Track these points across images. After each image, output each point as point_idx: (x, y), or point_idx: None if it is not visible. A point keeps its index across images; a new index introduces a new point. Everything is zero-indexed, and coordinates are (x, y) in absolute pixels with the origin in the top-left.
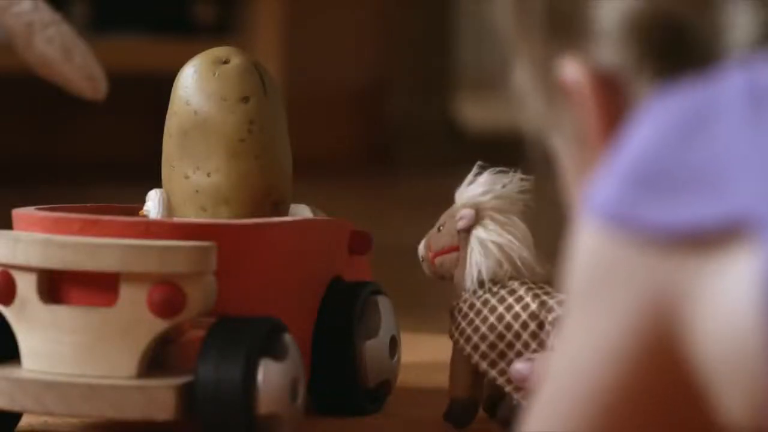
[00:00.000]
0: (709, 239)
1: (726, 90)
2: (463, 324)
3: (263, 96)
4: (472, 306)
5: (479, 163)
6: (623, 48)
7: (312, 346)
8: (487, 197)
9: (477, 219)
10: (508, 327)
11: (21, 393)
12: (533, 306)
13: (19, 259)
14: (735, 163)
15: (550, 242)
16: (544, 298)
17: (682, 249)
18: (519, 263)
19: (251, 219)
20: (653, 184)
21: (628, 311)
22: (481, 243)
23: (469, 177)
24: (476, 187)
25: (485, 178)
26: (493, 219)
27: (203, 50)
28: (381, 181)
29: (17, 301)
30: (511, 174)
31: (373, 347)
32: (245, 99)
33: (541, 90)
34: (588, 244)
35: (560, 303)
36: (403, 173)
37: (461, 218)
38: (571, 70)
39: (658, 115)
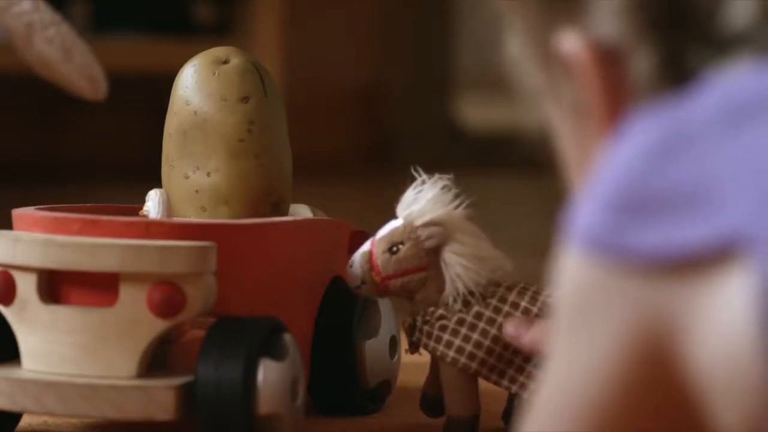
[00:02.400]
0: (699, 260)
1: (704, 105)
2: (455, 340)
3: (263, 96)
4: (462, 321)
5: (422, 177)
6: (622, 18)
7: (312, 346)
8: (444, 210)
9: (445, 235)
10: None
11: (21, 393)
12: (534, 309)
13: (19, 259)
14: (720, 181)
15: (547, 241)
16: (540, 298)
17: (671, 272)
18: (491, 270)
19: (251, 219)
20: (637, 207)
21: (618, 337)
22: (460, 257)
23: (410, 193)
24: (427, 202)
25: (429, 191)
26: (463, 232)
27: (203, 50)
28: (381, 181)
29: (17, 301)
30: (446, 181)
31: (373, 347)
32: (245, 99)
33: (538, 60)
34: (572, 270)
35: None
36: (403, 173)
37: (430, 237)
38: (570, 42)
39: (638, 136)
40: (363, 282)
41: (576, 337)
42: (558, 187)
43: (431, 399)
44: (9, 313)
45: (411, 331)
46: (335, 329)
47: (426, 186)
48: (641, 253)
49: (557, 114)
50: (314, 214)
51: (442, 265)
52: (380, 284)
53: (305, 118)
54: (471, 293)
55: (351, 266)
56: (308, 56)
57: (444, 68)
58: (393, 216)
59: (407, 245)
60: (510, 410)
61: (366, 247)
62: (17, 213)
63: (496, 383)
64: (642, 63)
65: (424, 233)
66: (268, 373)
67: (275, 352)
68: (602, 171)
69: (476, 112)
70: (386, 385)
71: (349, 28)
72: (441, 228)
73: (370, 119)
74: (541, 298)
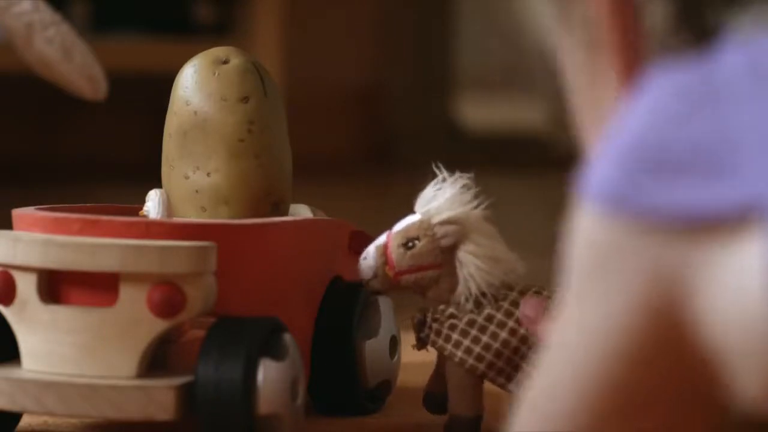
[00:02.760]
0: (716, 223)
1: (727, 66)
2: (464, 340)
3: (263, 96)
4: (472, 322)
5: (442, 175)
6: None
7: (312, 346)
8: (462, 209)
9: (462, 235)
10: (524, 340)
11: (21, 393)
12: None
13: (19, 259)
14: (741, 143)
15: (547, 241)
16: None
17: (688, 233)
18: (504, 273)
19: (251, 219)
20: (654, 165)
21: (632, 296)
22: (475, 258)
23: (430, 190)
24: (446, 200)
25: (448, 189)
26: (480, 232)
27: (203, 50)
28: (381, 181)
29: (17, 301)
30: (467, 180)
31: (373, 347)
32: (245, 99)
33: None
34: (587, 227)
35: None
36: (403, 173)
37: (446, 235)
38: None
39: (657, 93)
40: (375, 275)
41: (589, 295)
42: (557, 187)
43: (435, 397)
44: (9, 313)
45: (420, 327)
46: (335, 329)
47: (446, 184)
48: (658, 212)
49: (568, 44)
50: (314, 214)
51: (457, 264)
52: (393, 278)
53: (305, 118)
54: (483, 294)
55: (365, 258)
56: (308, 56)
57: (444, 68)
58: (393, 216)
59: (423, 242)
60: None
61: (382, 239)
62: (17, 213)
63: (503, 387)
64: (658, 12)
65: (440, 231)
66: (268, 373)
67: (275, 352)
68: (619, 126)
69: (476, 112)
70: (386, 385)
71: (349, 28)
72: (458, 227)
73: (370, 119)
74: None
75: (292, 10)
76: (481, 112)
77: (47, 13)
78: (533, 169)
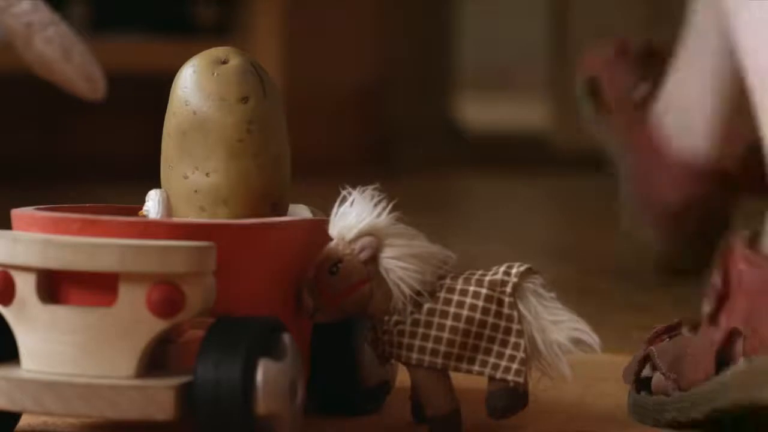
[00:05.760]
0: None
1: None
2: (414, 341)
3: (262, 96)
4: (416, 322)
5: (345, 190)
6: None
7: (312, 346)
8: (370, 219)
9: (378, 243)
10: (470, 320)
11: (20, 393)
12: (483, 290)
13: (19, 259)
14: None
15: (546, 240)
16: (487, 278)
17: None
18: (436, 266)
19: (250, 219)
20: None
21: None
22: (397, 260)
23: (337, 210)
24: (354, 215)
25: (356, 203)
26: (394, 235)
27: (203, 50)
28: (381, 181)
29: (17, 301)
30: (371, 190)
31: None
32: (244, 99)
33: None
34: None
35: (506, 273)
36: (403, 173)
37: (364, 248)
38: None
39: None
40: (317, 309)
41: None
42: (557, 187)
43: (420, 406)
44: (8, 312)
45: (375, 344)
46: (335, 329)
47: (349, 200)
48: None
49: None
50: (314, 214)
51: (383, 272)
52: (333, 306)
53: (305, 118)
54: (418, 293)
55: (302, 298)
56: (308, 56)
57: (444, 68)
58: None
59: (345, 262)
60: (492, 395)
61: (309, 274)
62: (16, 213)
63: (468, 371)
64: None
65: (357, 246)
66: (267, 373)
67: (275, 352)
68: None
69: (476, 112)
70: (386, 385)
71: (349, 29)
72: (371, 237)
73: (370, 119)
74: (488, 278)
75: (292, 10)
76: (481, 112)
77: (46, 13)
78: (533, 169)
